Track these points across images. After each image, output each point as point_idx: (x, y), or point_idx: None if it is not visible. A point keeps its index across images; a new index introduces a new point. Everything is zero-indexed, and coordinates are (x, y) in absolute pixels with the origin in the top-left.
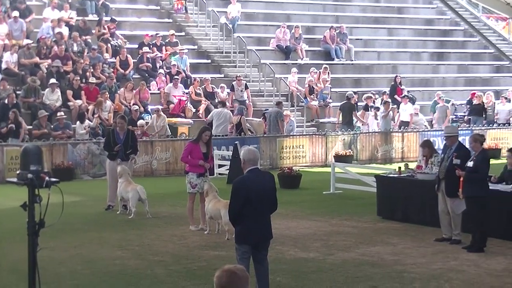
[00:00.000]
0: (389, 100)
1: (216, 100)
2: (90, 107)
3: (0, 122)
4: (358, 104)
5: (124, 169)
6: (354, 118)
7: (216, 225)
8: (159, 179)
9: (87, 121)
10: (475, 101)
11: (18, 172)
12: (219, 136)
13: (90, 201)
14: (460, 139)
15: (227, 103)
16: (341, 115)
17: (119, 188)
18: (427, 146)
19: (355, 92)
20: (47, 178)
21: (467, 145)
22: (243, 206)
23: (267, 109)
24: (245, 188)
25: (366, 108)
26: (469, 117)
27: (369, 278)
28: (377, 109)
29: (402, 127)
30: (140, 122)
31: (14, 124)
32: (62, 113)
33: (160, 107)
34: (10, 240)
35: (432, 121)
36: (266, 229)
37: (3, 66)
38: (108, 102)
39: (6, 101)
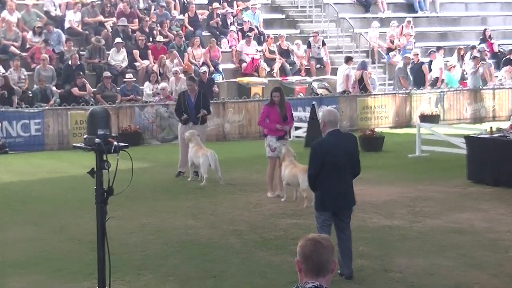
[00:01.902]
0: (479, 55)
1: (292, 58)
2: (155, 67)
3: (65, 84)
4: (444, 60)
5: (192, 133)
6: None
7: (293, 191)
8: (232, 143)
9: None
10: None
11: (85, 136)
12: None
13: (159, 167)
14: None
15: (352, 58)
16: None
17: (190, 154)
18: None
19: (440, 47)
20: (115, 142)
21: None
22: (323, 171)
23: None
24: (324, 151)
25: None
26: None
27: (458, 246)
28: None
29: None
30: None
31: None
32: (131, 75)
33: (232, 65)
34: (78, 209)
35: None
36: (348, 195)
37: (66, 25)
38: (175, 61)
39: (69, 62)
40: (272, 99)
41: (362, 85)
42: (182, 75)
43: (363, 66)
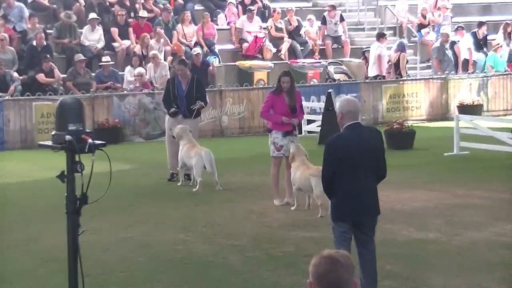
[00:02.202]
0: None
1: (303, 36)
2: (137, 48)
3: (28, 69)
4: (488, 38)
5: (183, 128)
6: None
7: (305, 198)
8: (230, 139)
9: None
10: None
11: (53, 133)
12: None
13: (143, 170)
14: None
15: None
16: None
17: (181, 153)
18: None
19: (483, 22)
20: (90, 140)
21: None
22: (340, 173)
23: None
24: (341, 149)
25: None
26: None
27: (508, 264)
28: None
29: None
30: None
31: None
32: (108, 58)
33: (231, 46)
34: (44, 220)
35: None
36: (370, 202)
37: None
38: (162, 41)
39: (34, 42)
40: (279, 85)
41: (398, 70)
42: (162, 60)
43: (401, 48)
